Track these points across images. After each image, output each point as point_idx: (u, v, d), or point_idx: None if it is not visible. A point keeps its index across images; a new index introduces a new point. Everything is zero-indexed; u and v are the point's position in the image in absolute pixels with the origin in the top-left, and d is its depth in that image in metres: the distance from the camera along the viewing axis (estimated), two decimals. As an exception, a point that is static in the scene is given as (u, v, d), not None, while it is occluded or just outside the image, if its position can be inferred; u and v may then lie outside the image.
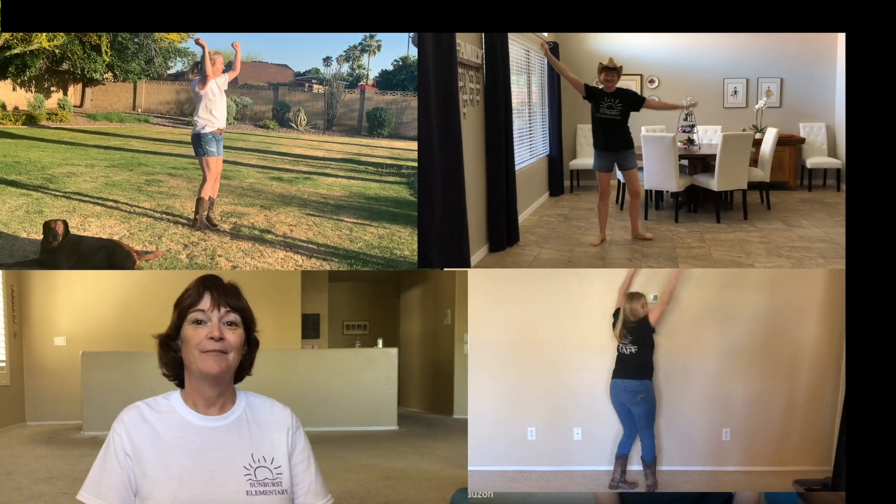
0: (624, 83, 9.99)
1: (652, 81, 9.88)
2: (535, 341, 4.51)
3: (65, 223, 5.14)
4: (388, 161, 11.07)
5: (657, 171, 7.25)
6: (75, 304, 7.74)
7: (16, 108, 11.16)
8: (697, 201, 7.80)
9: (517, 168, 7.10)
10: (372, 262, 5.76)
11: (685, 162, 7.70)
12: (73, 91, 12.39)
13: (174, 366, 1.82)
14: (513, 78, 7.11)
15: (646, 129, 8.55)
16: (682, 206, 7.63)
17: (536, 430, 4.58)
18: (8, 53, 9.89)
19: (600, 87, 6.36)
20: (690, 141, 8.01)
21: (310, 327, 9.90)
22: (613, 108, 6.27)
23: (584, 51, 9.72)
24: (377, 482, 4.66)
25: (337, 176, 9.51)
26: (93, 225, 6.12)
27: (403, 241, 6.26)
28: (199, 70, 5.78)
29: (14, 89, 11.08)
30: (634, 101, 6.33)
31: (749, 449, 4.52)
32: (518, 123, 7.98)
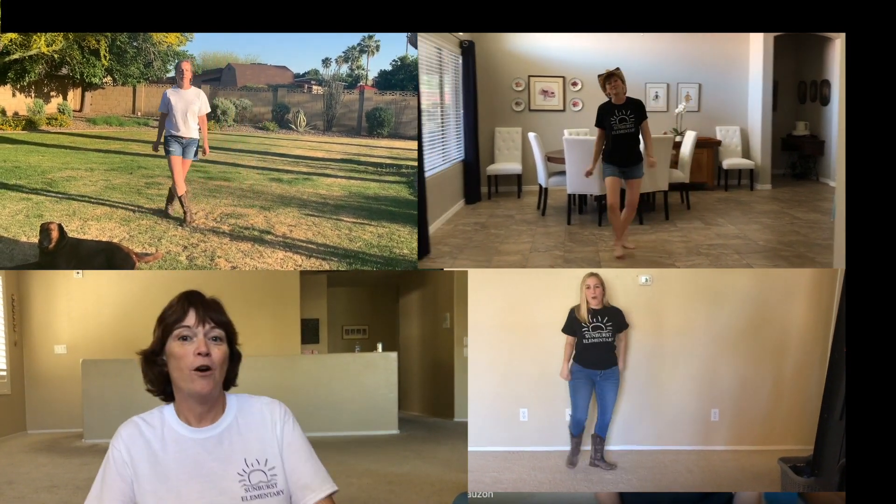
0: (546, 85, 9.83)
1: (575, 84, 9.69)
2: (527, 328, 4.57)
3: (60, 226, 5.12)
4: (388, 161, 11.05)
5: (581, 176, 7.01)
6: (75, 312, 7.70)
7: (15, 114, 11.15)
8: (621, 204, 7.72)
9: (428, 175, 6.58)
10: (371, 262, 5.75)
11: None
12: (73, 96, 12.37)
13: (160, 381, 1.82)
14: (423, 78, 6.66)
15: (568, 133, 8.34)
16: (605, 209, 7.44)
17: (528, 411, 4.64)
18: (7, 59, 9.87)
19: (607, 99, 5.75)
20: None
21: (309, 332, 9.86)
22: (626, 120, 5.67)
23: (503, 51, 9.53)
24: (379, 487, 4.66)
25: (336, 176, 9.48)
26: (93, 228, 6.11)
27: (402, 240, 6.24)
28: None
29: (14, 95, 11.05)
30: (643, 112, 5.80)
31: (737, 429, 4.63)
32: (429, 126, 7.56)
